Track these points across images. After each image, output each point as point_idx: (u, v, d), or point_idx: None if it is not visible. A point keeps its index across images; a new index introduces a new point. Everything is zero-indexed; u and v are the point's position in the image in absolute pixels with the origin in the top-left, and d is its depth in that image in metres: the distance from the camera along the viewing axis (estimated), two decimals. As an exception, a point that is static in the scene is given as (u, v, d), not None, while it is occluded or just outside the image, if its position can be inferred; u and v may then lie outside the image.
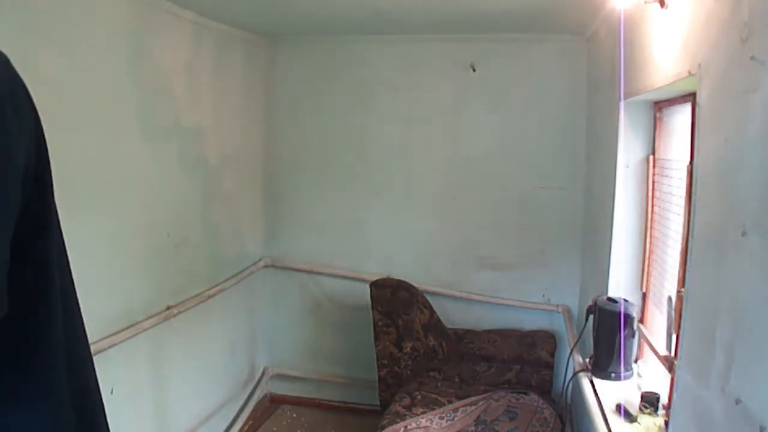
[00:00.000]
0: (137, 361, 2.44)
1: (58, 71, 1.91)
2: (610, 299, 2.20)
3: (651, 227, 2.29)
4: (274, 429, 3.50)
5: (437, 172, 3.44)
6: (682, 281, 1.62)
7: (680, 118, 2.04)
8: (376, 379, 3.21)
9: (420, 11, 2.75)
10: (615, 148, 2.33)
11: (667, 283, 2.03)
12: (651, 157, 2.29)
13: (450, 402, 2.86)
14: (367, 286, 3.22)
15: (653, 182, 2.27)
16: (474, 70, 3.29)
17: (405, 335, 3.17)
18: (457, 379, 3.17)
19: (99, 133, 2.14)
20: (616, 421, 1.88)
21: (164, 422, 2.67)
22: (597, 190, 2.89)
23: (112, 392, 2.12)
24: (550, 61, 3.25)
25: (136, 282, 2.39)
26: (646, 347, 2.20)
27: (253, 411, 3.54)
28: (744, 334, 1.10)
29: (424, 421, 2.68)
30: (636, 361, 2.21)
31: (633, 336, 2.11)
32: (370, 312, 3.18)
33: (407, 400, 2.89)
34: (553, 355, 3.16)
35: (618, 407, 1.94)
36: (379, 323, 3.16)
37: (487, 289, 3.41)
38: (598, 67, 2.92)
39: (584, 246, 3.22)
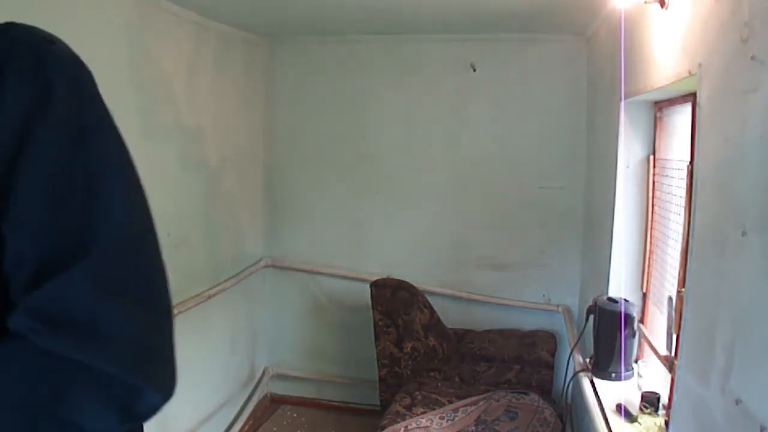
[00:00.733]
0: (137, 361, 2.43)
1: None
2: (610, 299, 2.19)
3: (651, 227, 2.29)
4: (275, 429, 3.50)
5: (437, 171, 3.44)
6: (683, 281, 1.62)
7: (680, 118, 2.04)
8: (377, 379, 3.21)
9: (420, 11, 2.75)
10: (615, 147, 2.33)
11: (667, 283, 2.03)
12: (651, 157, 2.28)
13: (450, 402, 2.86)
14: (368, 286, 3.21)
15: (653, 182, 2.27)
16: (474, 70, 3.28)
17: (405, 335, 3.17)
18: (457, 379, 3.17)
19: (99, 133, 2.13)
20: (617, 421, 1.88)
21: (164, 422, 2.66)
22: (597, 190, 2.89)
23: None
24: (550, 61, 3.24)
25: (136, 282, 2.38)
26: (646, 347, 2.20)
27: (254, 411, 3.53)
28: (744, 334, 1.09)
29: (424, 421, 2.68)
30: (636, 361, 2.21)
31: (633, 336, 2.10)
32: (371, 312, 3.18)
33: (407, 400, 2.89)
34: (553, 355, 3.16)
35: (618, 407, 1.94)
36: (380, 323, 3.16)
37: (487, 289, 3.40)
38: (598, 67, 2.91)
39: (584, 246, 3.22)
